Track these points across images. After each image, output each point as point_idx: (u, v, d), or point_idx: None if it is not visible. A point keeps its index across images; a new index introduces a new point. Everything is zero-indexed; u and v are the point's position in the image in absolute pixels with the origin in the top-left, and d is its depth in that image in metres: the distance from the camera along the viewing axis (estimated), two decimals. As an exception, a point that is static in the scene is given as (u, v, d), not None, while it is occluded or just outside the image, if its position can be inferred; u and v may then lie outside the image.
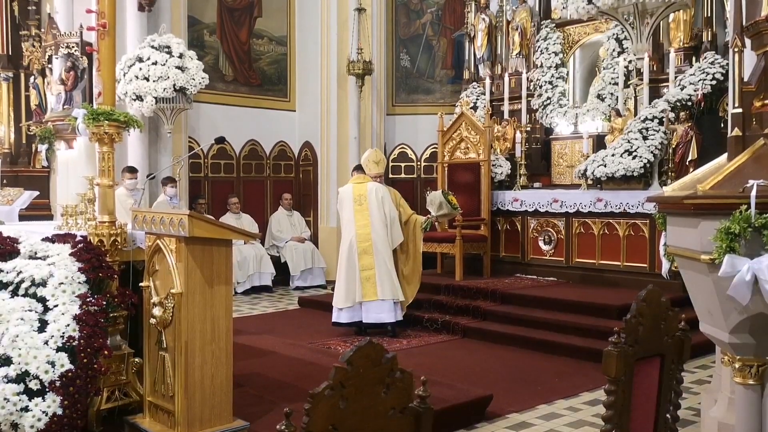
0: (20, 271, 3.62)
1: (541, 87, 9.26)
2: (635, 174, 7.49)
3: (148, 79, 7.93)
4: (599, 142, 8.34)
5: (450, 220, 7.83)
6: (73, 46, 8.17)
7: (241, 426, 3.69)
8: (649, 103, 7.80)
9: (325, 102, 10.81)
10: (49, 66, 8.65)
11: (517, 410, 4.63)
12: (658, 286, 2.25)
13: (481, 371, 5.60)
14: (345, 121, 10.74)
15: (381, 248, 6.66)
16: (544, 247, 8.42)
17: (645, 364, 2.17)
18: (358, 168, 7.19)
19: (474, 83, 10.10)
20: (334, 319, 6.81)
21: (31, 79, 9.51)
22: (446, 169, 9.07)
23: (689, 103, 7.60)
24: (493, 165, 8.81)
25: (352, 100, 10.69)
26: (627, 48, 8.27)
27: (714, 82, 7.49)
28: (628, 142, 7.59)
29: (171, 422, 3.55)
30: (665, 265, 5.16)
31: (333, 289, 7.37)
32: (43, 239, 3.89)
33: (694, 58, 7.90)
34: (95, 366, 3.30)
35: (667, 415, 2.29)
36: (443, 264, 8.90)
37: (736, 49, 2.79)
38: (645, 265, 7.46)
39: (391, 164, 11.43)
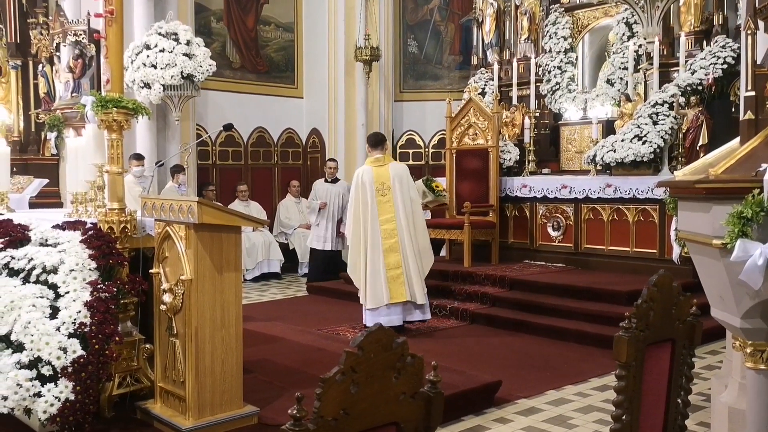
0: (31, 258, 3.65)
1: (549, 72, 9.20)
2: (645, 159, 7.45)
3: (155, 67, 7.93)
4: (608, 128, 8.28)
5: (455, 206, 7.79)
6: (80, 34, 8.17)
7: (251, 411, 3.71)
8: (659, 88, 7.74)
9: (332, 89, 10.78)
10: (57, 54, 8.65)
11: (526, 396, 4.64)
12: (669, 272, 2.24)
13: (490, 357, 5.61)
14: (352, 107, 10.72)
15: (407, 244, 6.00)
16: (553, 234, 8.39)
17: (656, 349, 2.16)
18: (378, 142, 6.24)
19: (482, 69, 10.04)
20: (367, 323, 6.07)
21: (40, 67, 9.52)
22: (454, 155, 9.03)
23: (700, 88, 7.53)
24: (501, 151, 8.77)
25: (359, 87, 10.66)
26: (637, 32, 8.19)
27: (725, 66, 7.41)
28: (638, 127, 7.54)
29: (182, 408, 3.57)
30: (676, 251, 5.15)
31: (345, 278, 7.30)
32: (53, 226, 3.91)
33: (704, 42, 7.82)
34: (107, 352, 3.32)
35: (678, 400, 2.29)
36: (451, 250, 8.90)
37: (749, 32, 2.76)
38: (655, 251, 7.43)
39: (399, 151, 11.41)
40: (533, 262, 8.38)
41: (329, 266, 9.02)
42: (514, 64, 9.44)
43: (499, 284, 7.35)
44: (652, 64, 7.93)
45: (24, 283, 3.57)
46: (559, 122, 9.15)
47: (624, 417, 2.06)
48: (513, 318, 6.64)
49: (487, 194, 8.63)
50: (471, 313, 6.91)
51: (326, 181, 9.29)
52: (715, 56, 7.49)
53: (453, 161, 9.01)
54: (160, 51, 7.98)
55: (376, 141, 6.28)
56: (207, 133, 9.41)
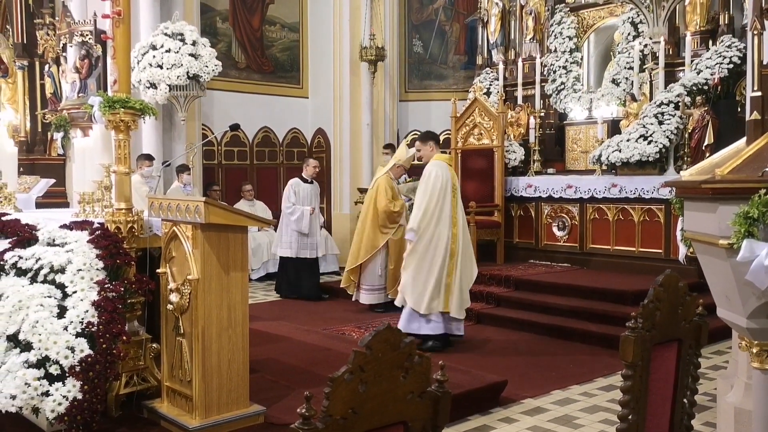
0: (39, 258, 3.67)
1: (555, 72, 9.19)
2: (650, 159, 7.44)
3: (161, 67, 7.94)
4: (614, 128, 8.28)
5: (465, 205, 7.84)
6: (87, 34, 8.20)
7: (258, 411, 3.73)
8: (665, 88, 7.73)
9: (337, 89, 10.79)
10: (64, 54, 8.68)
11: (532, 395, 4.64)
12: (675, 272, 2.25)
13: (495, 357, 5.61)
14: (358, 107, 10.72)
15: (461, 251, 5.61)
16: (558, 233, 8.39)
17: (662, 348, 2.17)
18: (433, 137, 5.88)
19: (487, 69, 10.04)
20: (414, 331, 5.44)
21: (46, 67, 9.55)
22: (459, 155, 9.04)
23: (705, 88, 7.52)
24: (506, 151, 8.77)
25: (364, 87, 10.66)
26: (642, 32, 8.18)
27: (731, 66, 7.40)
28: (644, 127, 7.53)
29: (189, 407, 3.59)
30: (682, 251, 5.13)
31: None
32: (60, 226, 3.93)
33: (710, 42, 7.80)
34: (114, 351, 3.34)
35: (684, 400, 2.29)
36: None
37: (755, 32, 2.75)
38: (660, 251, 7.43)
39: (404, 151, 11.41)
40: (538, 262, 8.38)
41: (296, 278, 8.25)
42: (519, 63, 9.43)
43: (505, 284, 7.35)
44: (657, 63, 7.92)
45: (32, 283, 3.59)
46: (564, 122, 9.14)
47: (630, 416, 2.06)
48: (518, 318, 6.64)
49: (492, 194, 8.64)
50: (476, 312, 6.91)
51: (305, 181, 8.39)
52: (720, 56, 7.47)
53: (458, 161, 9.01)
54: (166, 51, 7.99)
55: (437, 138, 5.92)
56: (213, 134, 9.42)
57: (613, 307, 6.30)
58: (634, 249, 7.68)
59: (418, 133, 11.47)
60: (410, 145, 5.82)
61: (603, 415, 4.27)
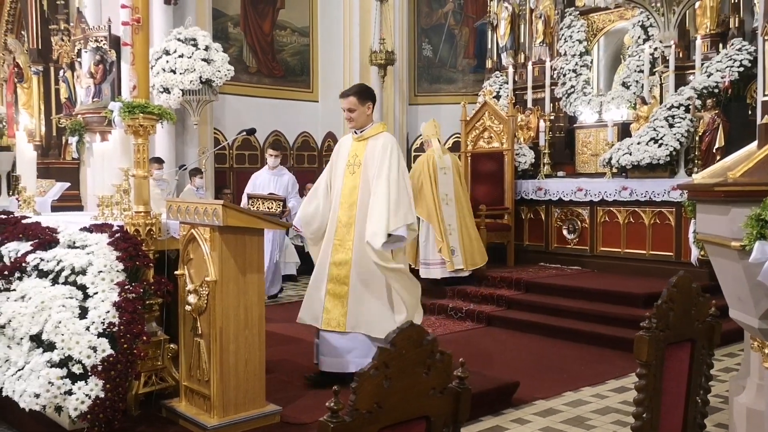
0: (60, 260, 3.74)
1: (564, 75, 9.23)
2: (661, 162, 7.46)
3: (174, 72, 8.05)
4: (624, 131, 8.30)
5: (474, 208, 7.89)
6: (101, 40, 8.31)
7: (274, 410, 3.78)
8: (675, 91, 7.75)
9: (347, 93, 10.85)
10: (78, 59, 8.80)
11: (544, 397, 4.67)
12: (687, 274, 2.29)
13: (507, 359, 5.65)
14: (368, 111, 10.78)
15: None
16: (568, 236, 8.42)
17: (676, 348, 2.21)
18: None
19: (497, 72, 10.08)
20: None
21: (61, 72, 9.68)
22: (469, 158, 9.08)
23: (716, 90, 7.53)
24: (516, 154, 8.81)
25: (374, 90, 10.72)
26: (652, 35, 8.21)
27: (741, 69, 7.42)
28: (654, 129, 7.56)
29: (207, 406, 3.65)
30: (694, 253, 5.17)
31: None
32: (81, 229, 4.00)
33: (720, 45, 7.82)
34: (134, 351, 3.40)
35: (698, 399, 2.33)
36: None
37: (765, 37, 2.80)
38: (671, 254, 7.44)
39: (413, 154, 11.46)
40: (549, 265, 8.41)
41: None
42: (529, 67, 9.47)
43: (515, 287, 7.39)
44: (667, 66, 7.94)
45: (53, 284, 3.66)
46: (574, 125, 9.18)
47: (644, 415, 2.11)
48: (529, 320, 6.67)
49: (502, 197, 8.67)
50: (487, 315, 6.95)
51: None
52: (731, 59, 7.49)
53: (468, 164, 9.06)
54: (180, 56, 8.10)
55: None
56: (225, 139, 9.51)
57: (623, 309, 6.31)
58: (644, 252, 7.70)
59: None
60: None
61: (615, 417, 4.30)
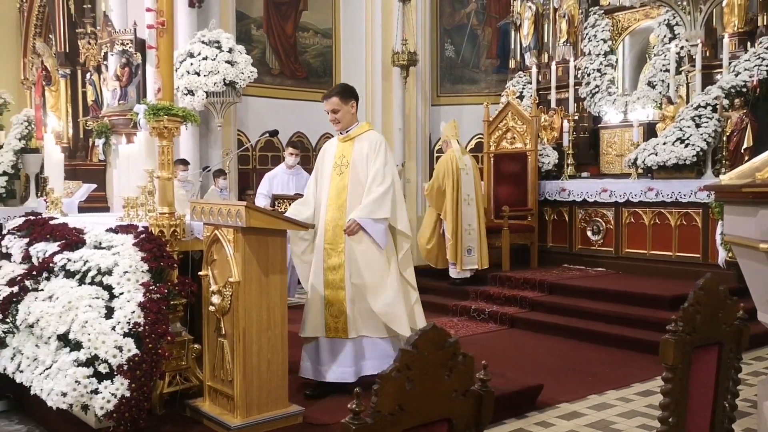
0: (86, 261, 3.80)
1: (589, 75, 9.14)
2: (688, 162, 7.36)
3: (199, 74, 8.12)
4: (650, 131, 8.20)
5: (494, 210, 7.92)
6: (127, 43, 8.43)
7: (297, 411, 3.79)
8: (702, 90, 7.64)
9: (369, 93, 10.87)
10: (105, 62, 8.94)
11: (568, 400, 4.63)
12: (714, 276, 2.25)
13: (530, 361, 5.61)
14: (390, 112, 10.79)
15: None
16: (593, 238, 8.34)
17: (703, 352, 2.18)
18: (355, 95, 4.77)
19: (520, 72, 10.02)
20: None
21: (88, 75, 9.84)
22: (492, 159, 9.04)
23: (744, 90, 7.40)
24: (540, 155, 8.75)
25: (396, 92, 10.73)
26: (678, 34, 8.10)
27: (770, 68, 7.28)
28: (680, 130, 7.45)
29: (230, 406, 3.67)
30: (721, 255, 5.09)
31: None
32: (107, 230, 4.06)
33: (748, 44, 7.69)
34: (159, 351, 3.44)
35: (725, 403, 2.29)
36: (490, 254, 8.89)
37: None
38: (698, 256, 7.33)
39: (436, 155, 11.44)
40: (572, 266, 8.34)
41: None
42: (553, 67, 9.40)
43: (539, 288, 7.33)
44: (694, 66, 7.83)
45: (80, 285, 3.72)
46: (599, 125, 9.08)
47: (671, 419, 2.08)
48: (553, 322, 6.62)
49: (525, 198, 8.62)
50: (510, 316, 6.91)
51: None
52: (759, 57, 7.36)
53: (491, 165, 9.02)
54: (204, 59, 8.17)
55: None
56: (249, 141, 9.58)
57: (649, 311, 6.24)
58: (670, 253, 7.59)
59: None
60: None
61: (641, 420, 4.24)
